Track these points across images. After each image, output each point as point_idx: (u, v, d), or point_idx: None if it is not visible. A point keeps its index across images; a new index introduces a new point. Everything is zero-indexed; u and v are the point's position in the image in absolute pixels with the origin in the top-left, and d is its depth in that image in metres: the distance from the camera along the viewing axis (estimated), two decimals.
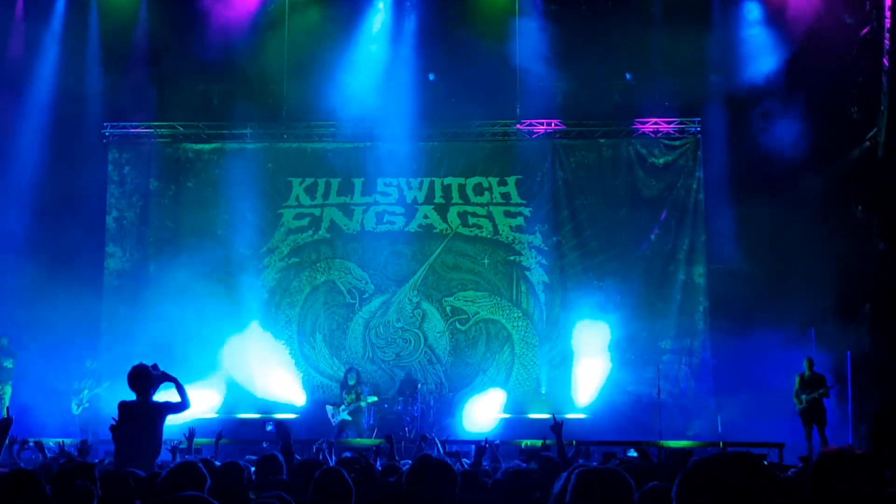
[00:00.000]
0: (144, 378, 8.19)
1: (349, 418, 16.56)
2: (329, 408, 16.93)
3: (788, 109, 17.05)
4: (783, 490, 2.37)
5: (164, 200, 19.31)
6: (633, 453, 12.65)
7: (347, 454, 9.51)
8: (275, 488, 6.05)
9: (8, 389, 16.53)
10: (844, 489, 3.27)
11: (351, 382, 16.71)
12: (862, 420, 16.03)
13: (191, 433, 9.56)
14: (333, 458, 9.07)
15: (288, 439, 7.96)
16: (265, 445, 13.95)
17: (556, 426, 8.56)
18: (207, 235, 18.97)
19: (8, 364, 16.56)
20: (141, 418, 8.09)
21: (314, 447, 9.44)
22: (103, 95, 18.61)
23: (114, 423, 8.25)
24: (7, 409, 6.95)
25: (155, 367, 8.41)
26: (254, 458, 9.22)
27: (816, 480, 3.35)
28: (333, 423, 16.57)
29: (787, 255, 17.33)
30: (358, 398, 16.65)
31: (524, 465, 7.65)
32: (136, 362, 8.48)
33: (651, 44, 18.16)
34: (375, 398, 17.08)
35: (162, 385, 8.38)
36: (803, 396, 15.45)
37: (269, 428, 13.14)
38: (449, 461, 5.03)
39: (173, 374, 8.47)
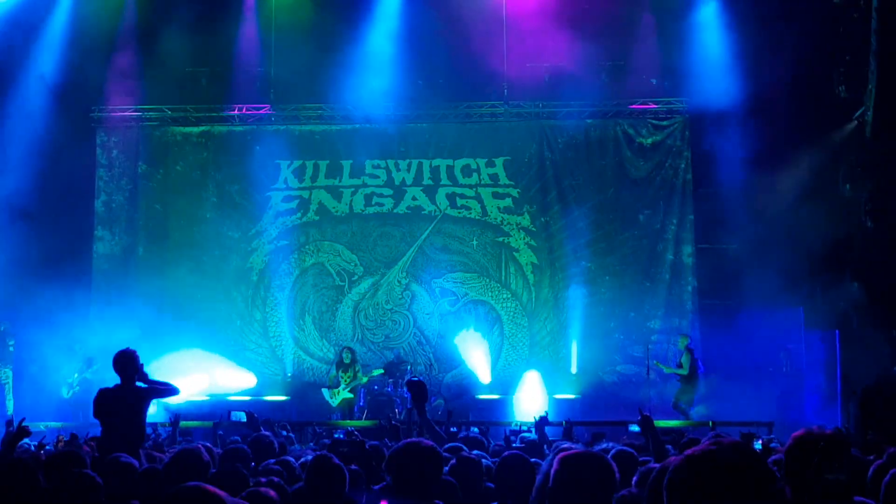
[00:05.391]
0: (130, 362, 8.09)
1: (351, 396, 16.56)
2: (325, 391, 16.89)
3: (776, 88, 17.02)
4: (776, 483, 2.34)
5: (153, 184, 19.24)
6: (634, 428, 12.47)
7: (339, 435, 9.45)
8: (269, 473, 6.04)
9: (9, 373, 16.51)
10: (814, 470, 3.32)
11: (346, 360, 16.68)
12: (849, 398, 16.10)
13: (176, 418, 9.46)
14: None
15: (258, 428, 7.96)
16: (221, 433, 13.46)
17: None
18: (196, 218, 18.95)
19: (11, 347, 16.53)
20: (125, 404, 7.97)
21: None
22: (90, 79, 18.45)
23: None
24: (21, 420, 6.90)
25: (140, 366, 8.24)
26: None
27: (790, 463, 3.40)
28: (333, 405, 16.58)
29: (774, 233, 17.33)
30: (356, 376, 16.64)
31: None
32: (124, 346, 8.40)
33: (638, 22, 18.13)
34: (382, 370, 17.05)
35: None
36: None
37: (237, 418, 12.51)
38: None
39: (153, 371, 8.34)
